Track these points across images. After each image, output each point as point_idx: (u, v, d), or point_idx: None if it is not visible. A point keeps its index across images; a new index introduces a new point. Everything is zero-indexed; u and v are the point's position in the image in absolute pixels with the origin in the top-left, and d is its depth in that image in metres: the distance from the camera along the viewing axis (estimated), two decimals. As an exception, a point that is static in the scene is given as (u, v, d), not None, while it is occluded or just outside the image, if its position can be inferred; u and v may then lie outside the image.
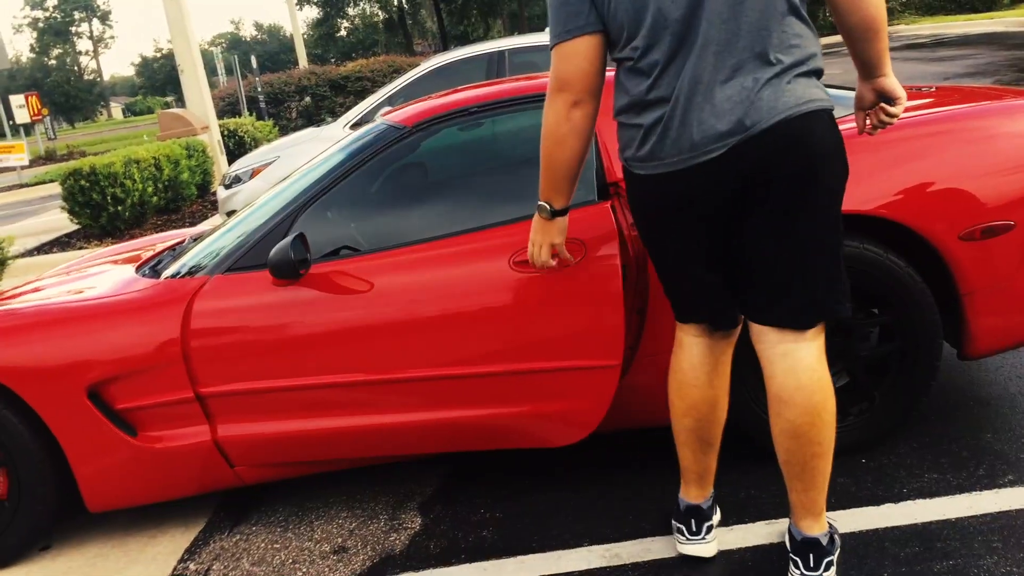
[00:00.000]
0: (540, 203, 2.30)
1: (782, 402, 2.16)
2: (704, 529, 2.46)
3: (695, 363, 2.32)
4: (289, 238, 2.67)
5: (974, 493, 2.59)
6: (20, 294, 3.38)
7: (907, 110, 2.96)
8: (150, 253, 3.59)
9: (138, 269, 3.24)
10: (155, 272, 3.11)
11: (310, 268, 2.76)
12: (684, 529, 2.46)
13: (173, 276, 2.94)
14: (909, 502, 2.59)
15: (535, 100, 2.97)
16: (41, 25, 77.80)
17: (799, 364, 2.14)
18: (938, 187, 2.68)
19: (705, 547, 2.45)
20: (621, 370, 2.66)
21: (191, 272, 2.91)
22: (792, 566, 2.26)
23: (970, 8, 27.93)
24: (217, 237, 3.10)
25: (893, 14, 28.66)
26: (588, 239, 2.63)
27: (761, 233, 2.07)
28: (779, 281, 2.10)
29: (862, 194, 2.66)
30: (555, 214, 2.29)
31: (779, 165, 1.99)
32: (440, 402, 2.75)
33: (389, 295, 2.72)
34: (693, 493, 2.46)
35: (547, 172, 2.24)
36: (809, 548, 2.23)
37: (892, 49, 19.37)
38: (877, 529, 2.48)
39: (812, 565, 2.22)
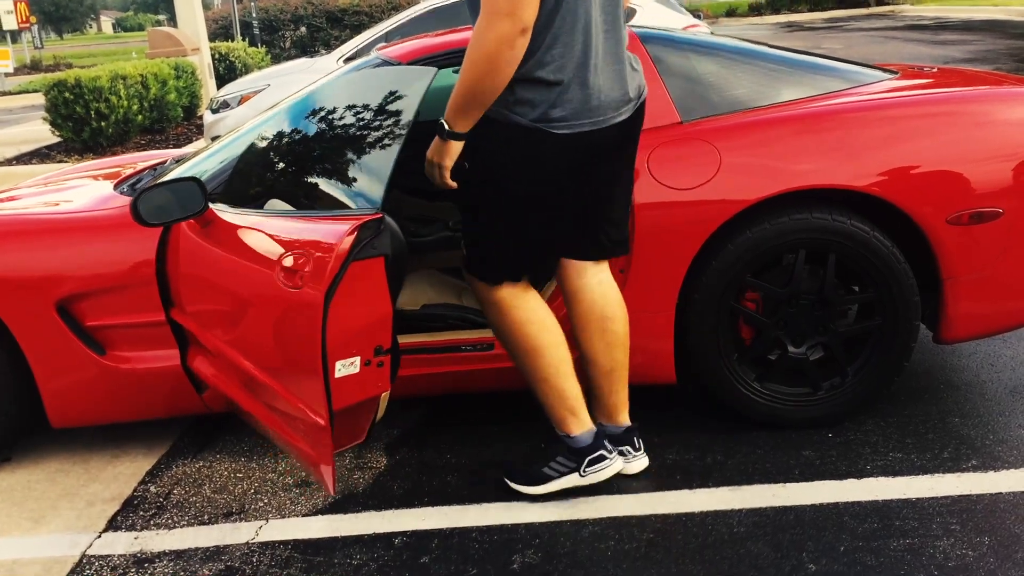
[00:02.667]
0: (443, 124, 2.23)
1: (608, 319, 2.56)
2: (640, 444, 2.73)
3: (539, 299, 2.55)
4: (152, 185, 2.44)
5: (936, 475, 2.61)
6: (-6, 203, 3.32)
7: (905, 89, 2.94)
8: (131, 171, 3.52)
9: (117, 186, 3.18)
10: (134, 190, 3.05)
11: (206, 213, 2.47)
12: (607, 450, 2.60)
13: (153, 196, 2.88)
14: (871, 479, 2.61)
15: None
16: (34, -70, 75.86)
17: (612, 287, 2.59)
18: (930, 168, 2.66)
19: (645, 458, 2.73)
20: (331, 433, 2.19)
21: (171, 193, 2.85)
22: (626, 454, 2.67)
23: (976, -7, 27.71)
24: (199, 161, 3.04)
25: (899, -8, 28.41)
26: (314, 254, 2.15)
27: (615, 181, 2.48)
28: (618, 219, 2.54)
29: (853, 170, 2.64)
30: (454, 137, 2.26)
31: (638, 127, 2.46)
32: (249, 390, 2.53)
33: (223, 260, 2.48)
34: (623, 415, 2.69)
35: (469, 96, 2.20)
36: (632, 433, 2.70)
37: (895, 28, 19.29)
38: (838, 503, 2.50)
39: (638, 445, 2.71)
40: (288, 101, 2.98)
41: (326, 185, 2.34)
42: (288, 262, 2.20)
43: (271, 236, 2.30)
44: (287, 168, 2.51)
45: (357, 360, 2.18)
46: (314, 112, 2.49)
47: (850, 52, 14.79)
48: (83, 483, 2.89)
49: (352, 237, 2.08)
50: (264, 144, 2.62)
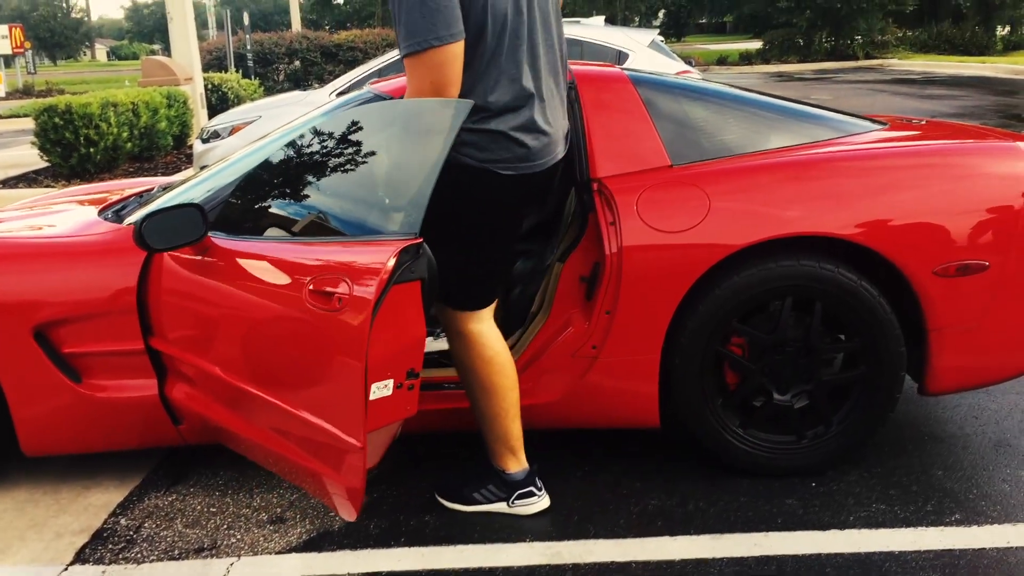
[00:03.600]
0: None
1: (511, 363, 2.64)
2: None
3: (503, 343, 2.63)
4: (145, 210, 2.45)
5: (920, 528, 2.58)
6: (-24, 225, 3.28)
7: (894, 140, 2.96)
8: (117, 197, 3.49)
9: (101, 212, 3.15)
10: (118, 217, 3.02)
11: (205, 240, 2.50)
12: (536, 488, 2.71)
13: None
14: (854, 530, 2.58)
15: None
16: (33, -43, 76.36)
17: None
18: (917, 220, 2.67)
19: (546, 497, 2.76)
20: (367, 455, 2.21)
21: (155, 221, 2.82)
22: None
23: (963, 51, 28.23)
24: (186, 189, 3.02)
25: (887, 48, 28.88)
26: (355, 285, 2.16)
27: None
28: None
29: (841, 218, 2.65)
30: None
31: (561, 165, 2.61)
32: (250, 416, 2.52)
33: (229, 289, 2.47)
34: (524, 459, 2.71)
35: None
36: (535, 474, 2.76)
37: (883, 82, 19.56)
38: (820, 554, 2.47)
39: (540, 485, 2.75)
40: (287, 131, 2.97)
41: (360, 210, 2.36)
42: (319, 285, 2.21)
43: (295, 261, 2.31)
44: (300, 196, 2.51)
45: (391, 383, 2.20)
46: (326, 140, 2.49)
47: (838, 103, 14.97)
48: (52, 514, 2.82)
49: (395, 260, 2.11)
50: (268, 172, 2.62)
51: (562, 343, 2.77)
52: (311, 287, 2.23)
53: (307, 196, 2.48)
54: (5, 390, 2.72)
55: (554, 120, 2.52)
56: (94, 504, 2.87)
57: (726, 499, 2.76)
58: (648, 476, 2.91)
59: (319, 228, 2.38)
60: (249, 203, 2.62)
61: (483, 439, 2.71)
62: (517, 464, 2.69)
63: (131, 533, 2.69)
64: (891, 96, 16.01)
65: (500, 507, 2.71)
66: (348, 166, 2.42)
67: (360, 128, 2.42)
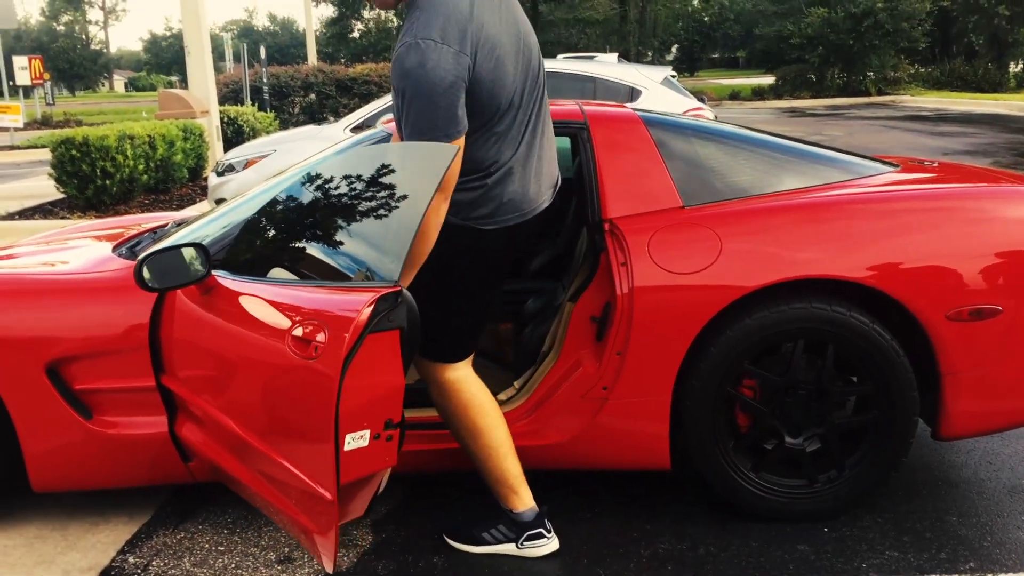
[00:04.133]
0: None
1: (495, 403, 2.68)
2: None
3: (480, 383, 2.65)
4: (150, 250, 2.43)
5: (933, 576, 2.55)
6: (-8, 259, 3.31)
7: (906, 183, 2.96)
8: (132, 233, 3.52)
9: (115, 248, 3.17)
10: (132, 253, 3.04)
11: (208, 279, 2.48)
12: (545, 530, 2.69)
13: (150, 260, 2.87)
14: (867, 578, 2.55)
15: None
16: (54, -11, 77.55)
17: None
18: (930, 263, 2.66)
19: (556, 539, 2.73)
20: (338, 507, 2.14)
21: (169, 258, 2.84)
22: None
23: (975, 87, 28.31)
24: (200, 226, 3.04)
25: (900, 84, 28.99)
26: (331, 325, 2.11)
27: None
28: None
29: (854, 261, 2.64)
30: None
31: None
32: (243, 459, 2.48)
33: (223, 329, 2.45)
34: (530, 498, 2.69)
35: (414, 260, 2.35)
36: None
37: (895, 118, 19.60)
38: (833, 602, 2.44)
39: (549, 527, 2.73)
40: (297, 170, 2.99)
41: (339, 256, 2.32)
42: (300, 331, 2.17)
43: (281, 304, 2.29)
44: (297, 237, 2.50)
45: (367, 433, 2.14)
46: (326, 182, 2.50)
47: (851, 140, 15.00)
48: (61, 551, 2.81)
49: (371, 308, 2.07)
50: (273, 212, 2.62)
51: (572, 384, 2.76)
52: (294, 333, 2.19)
53: (300, 239, 2.48)
54: (16, 425, 2.73)
55: (539, 174, 2.58)
56: (103, 541, 2.86)
57: (737, 543, 2.73)
58: (657, 518, 2.89)
59: (311, 271, 2.36)
60: (249, 243, 2.62)
61: (484, 484, 2.70)
62: (523, 504, 2.67)
63: (139, 571, 2.68)
64: (903, 133, 16.03)
65: (509, 549, 2.68)
66: (336, 210, 2.41)
67: (349, 172, 2.41)
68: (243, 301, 2.40)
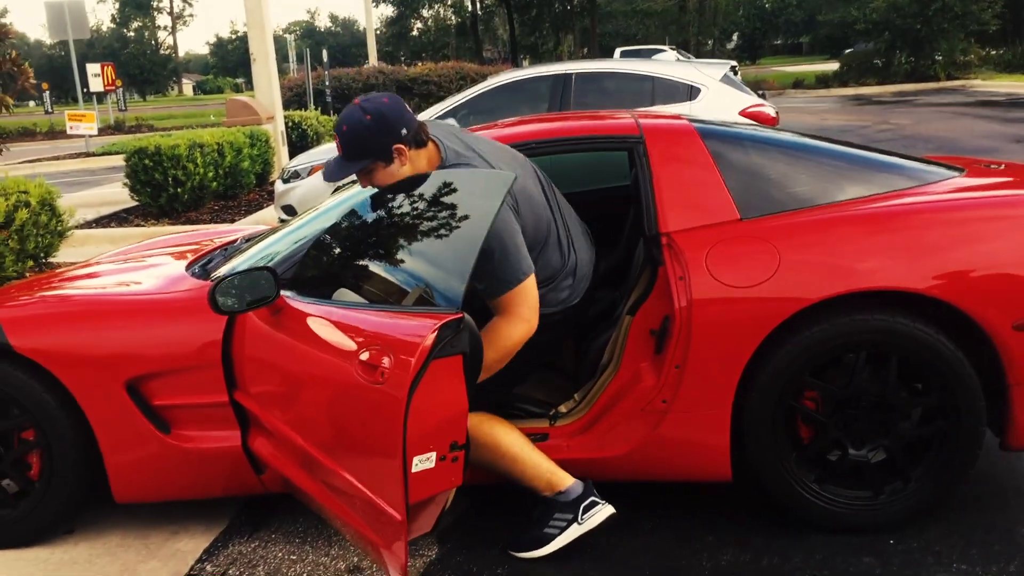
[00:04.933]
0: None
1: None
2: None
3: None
4: (224, 273, 2.54)
5: (1002, 590, 2.52)
6: (76, 277, 3.45)
7: (971, 189, 2.91)
8: (205, 250, 3.64)
9: (188, 267, 3.28)
10: (205, 271, 3.15)
11: (276, 301, 2.56)
12: (596, 497, 2.75)
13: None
14: (935, 591, 2.53)
15: (598, 143, 2.98)
16: (124, -3, 79.66)
17: None
18: (996, 272, 2.62)
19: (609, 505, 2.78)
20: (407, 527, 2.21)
21: (239, 277, 2.94)
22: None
23: (1050, 70, 27.38)
24: (268, 244, 3.14)
25: (970, 68, 28.17)
26: (396, 351, 2.18)
27: None
28: None
29: (917, 272, 2.61)
30: None
31: None
32: (314, 475, 2.54)
33: (294, 351, 2.52)
34: (568, 475, 2.76)
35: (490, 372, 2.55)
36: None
37: (965, 104, 19.07)
38: (898, 616, 2.43)
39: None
40: (357, 191, 3.06)
41: (403, 278, 2.40)
42: (366, 355, 2.24)
43: (350, 327, 2.35)
44: (361, 258, 2.58)
45: (433, 456, 2.21)
46: (389, 204, 2.58)
47: (919, 128, 14.66)
48: (142, 559, 2.94)
49: (434, 335, 2.13)
50: (338, 233, 2.70)
51: (632, 396, 2.79)
52: (361, 356, 2.25)
53: (364, 260, 2.56)
54: (99, 440, 2.86)
55: (582, 257, 2.93)
56: (182, 550, 2.98)
57: (801, 555, 2.73)
58: (720, 530, 2.89)
59: (376, 293, 2.43)
60: (315, 264, 2.70)
61: (526, 486, 2.77)
62: (565, 480, 2.74)
63: (215, 579, 2.79)
64: (974, 120, 15.60)
65: (574, 530, 2.72)
66: (401, 234, 2.49)
67: (412, 196, 2.49)
68: (311, 322, 2.48)
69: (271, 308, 2.59)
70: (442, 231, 2.36)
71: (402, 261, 2.43)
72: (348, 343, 2.32)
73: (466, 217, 2.33)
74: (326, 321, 2.43)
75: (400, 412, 2.11)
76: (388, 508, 2.20)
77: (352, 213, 2.68)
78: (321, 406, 2.42)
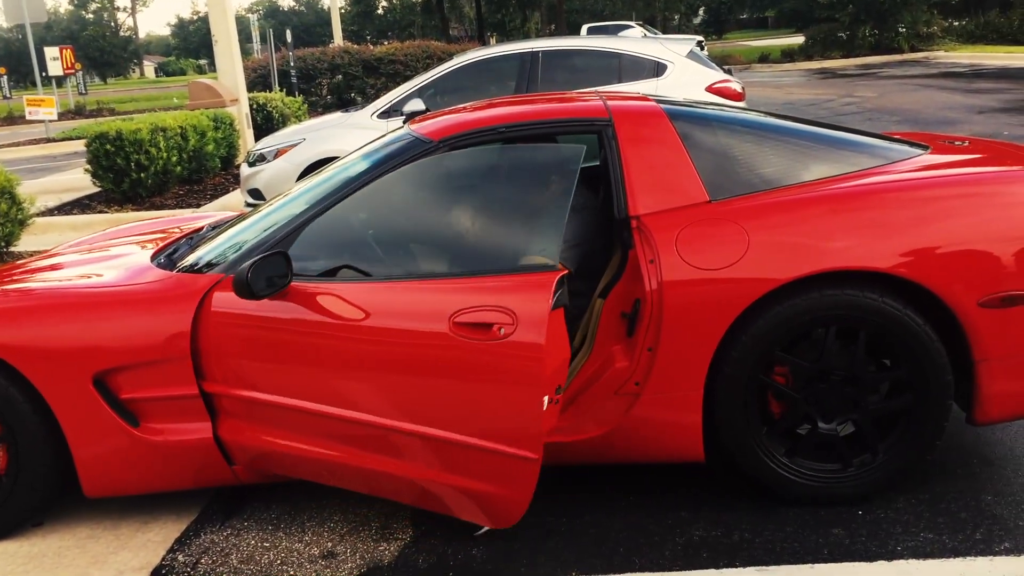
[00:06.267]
0: None
1: None
2: None
3: None
4: (255, 258, 2.59)
5: (968, 558, 2.56)
6: (38, 269, 3.40)
7: (937, 167, 2.94)
8: (170, 239, 3.59)
9: (154, 257, 3.24)
10: (171, 261, 3.11)
11: (289, 285, 2.66)
12: None
13: (188, 269, 2.94)
14: (902, 561, 2.57)
15: (566, 126, 2.97)
16: (81, -22, 78.11)
17: None
18: (961, 250, 2.65)
19: None
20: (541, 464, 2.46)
21: (207, 267, 2.91)
22: None
23: (1011, 40, 27.62)
24: (235, 233, 3.10)
25: (933, 40, 28.38)
26: (520, 314, 2.42)
27: None
28: None
29: (883, 251, 2.64)
30: None
31: None
32: (381, 449, 2.64)
33: (340, 329, 2.62)
34: None
35: None
36: None
37: (929, 76, 19.25)
38: (868, 587, 2.47)
39: None
40: (338, 169, 3.11)
41: (497, 247, 2.75)
42: (467, 318, 2.44)
43: (424, 297, 2.54)
44: (415, 235, 2.90)
45: (546, 399, 2.42)
46: (450, 182, 2.91)
47: (883, 101, 14.78)
48: (112, 550, 2.92)
49: (554, 289, 2.40)
50: (364, 208, 2.91)
51: (605, 380, 2.80)
52: (457, 320, 2.45)
53: (413, 236, 2.89)
54: (67, 434, 2.82)
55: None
56: (153, 540, 2.96)
57: (771, 529, 2.76)
58: (693, 506, 2.92)
59: (443, 265, 2.71)
60: (339, 242, 2.89)
61: None
62: None
63: (188, 569, 2.77)
64: (937, 91, 15.75)
65: None
66: (479, 206, 2.84)
67: (482, 169, 2.86)
68: (374, 300, 2.60)
69: (281, 294, 2.66)
70: (533, 198, 2.73)
71: (498, 227, 2.79)
72: (431, 312, 2.50)
73: (553, 184, 2.63)
74: (399, 295, 2.58)
75: (537, 358, 2.35)
76: (520, 451, 2.42)
77: (375, 188, 2.85)
78: (398, 377, 2.53)
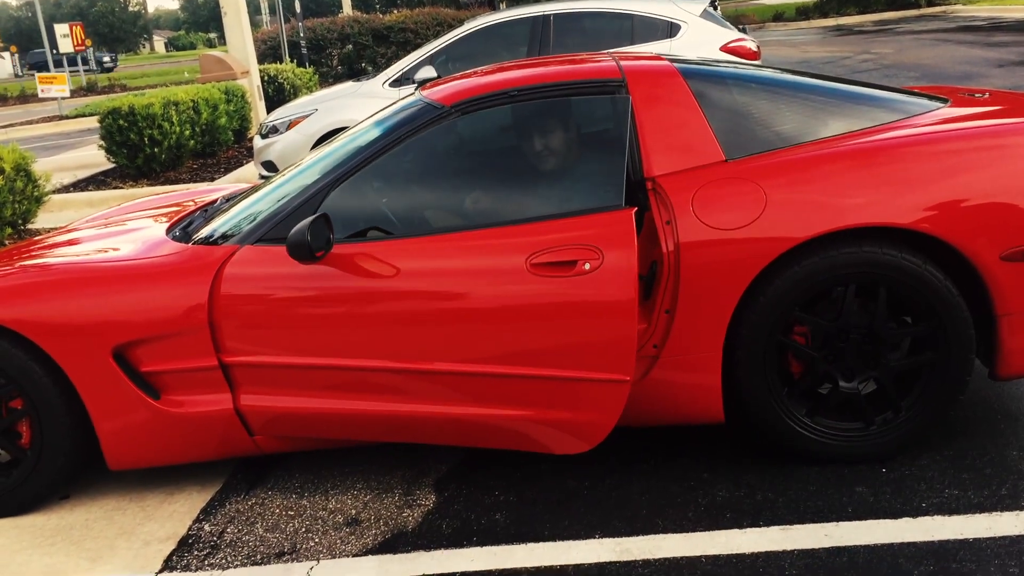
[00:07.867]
0: None
1: None
2: None
3: None
4: (309, 219, 2.63)
5: (994, 514, 2.55)
6: (55, 245, 3.41)
7: (956, 120, 2.89)
8: (188, 210, 3.59)
9: (169, 230, 3.24)
10: (186, 234, 3.11)
11: (332, 248, 2.71)
12: None
13: (203, 241, 2.94)
14: (927, 518, 2.56)
15: (579, 88, 2.93)
16: (89, -46, 77.81)
17: None
18: (982, 203, 2.61)
19: None
20: (631, 385, 2.64)
21: (222, 238, 2.91)
22: None
23: (1031, -9, 27.07)
24: (250, 204, 3.10)
25: (951, -8, 27.85)
26: (606, 247, 2.56)
27: None
28: None
29: (903, 206, 2.60)
30: None
31: None
32: (451, 396, 2.73)
33: (405, 284, 2.69)
34: None
35: None
36: None
37: (947, 31, 18.95)
38: (892, 544, 2.46)
39: None
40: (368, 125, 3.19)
41: (569, 190, 3.02)
42: (547, 258, 2.59)
43: (493, 244, 2.69)
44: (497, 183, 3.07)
45: None
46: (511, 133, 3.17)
47: (901, 56, 14.56)
48: (139, 521, 2.95)
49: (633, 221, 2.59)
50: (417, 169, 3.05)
51: (623, 342, 2.79)
52: (535, 261, 2.59)
53: (471, 187, 3.06)
54: (88, 408, 2.84)
55: None
56: (179, 510, 2.99)
57: (795, 488, 2.76)
58: (715, 467, 2.92)
59: (502, 215, 2.84)
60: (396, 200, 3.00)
61: None
62: None
63: (215, 539, 2.80)
64: (956, 46, 15.49)
65: None
66: (542, 156, 3.10)
67: (541, 123, 3.06)
68: (424, 250, 2.73)
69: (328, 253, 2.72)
70: (588, 149, 3.10)
71: (559, 177, 3.06)
72: (502, 256, 2.66)
73: (608, 131, 2.93)
74: (470, 242, 2.72)
75: (632, 283, 2.52)
76: (613, 376, 2.58)
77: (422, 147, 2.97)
78: (497, 324, 2.65)
